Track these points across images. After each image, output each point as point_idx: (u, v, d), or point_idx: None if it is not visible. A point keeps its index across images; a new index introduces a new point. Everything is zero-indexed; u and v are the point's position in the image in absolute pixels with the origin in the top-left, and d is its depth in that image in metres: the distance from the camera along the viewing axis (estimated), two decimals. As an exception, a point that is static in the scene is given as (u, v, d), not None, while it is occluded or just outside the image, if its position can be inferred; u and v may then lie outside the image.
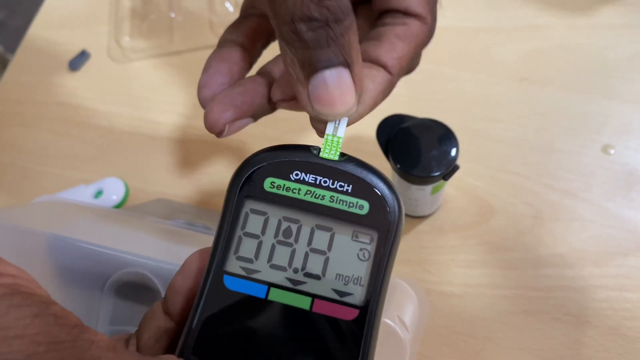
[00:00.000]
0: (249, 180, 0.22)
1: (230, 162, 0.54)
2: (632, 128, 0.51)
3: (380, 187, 0.22)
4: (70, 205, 0.43)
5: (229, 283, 0.22)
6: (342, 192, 0.22)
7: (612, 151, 0.50)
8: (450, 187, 0.50)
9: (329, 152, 0.23)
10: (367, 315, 0.21)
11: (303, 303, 0.21)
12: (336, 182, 0.22)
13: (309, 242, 0.22)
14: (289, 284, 0.22)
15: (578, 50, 0.55)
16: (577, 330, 0.45)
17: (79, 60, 0.60)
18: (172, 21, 0.60)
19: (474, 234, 0.49)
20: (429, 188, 0.44)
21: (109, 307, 0.36)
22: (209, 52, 0.30)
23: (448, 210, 0.50)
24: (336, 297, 0.22)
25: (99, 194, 0.51)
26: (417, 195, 0.45)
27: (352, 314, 0.21)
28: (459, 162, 0.44)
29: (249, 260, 0.22)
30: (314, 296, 0.22)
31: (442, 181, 0.43)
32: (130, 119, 0.57)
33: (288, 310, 0.21)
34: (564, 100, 0.53)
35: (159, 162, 0.55)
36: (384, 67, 0.25)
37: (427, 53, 0.57)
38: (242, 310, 0.22)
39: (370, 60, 0.25)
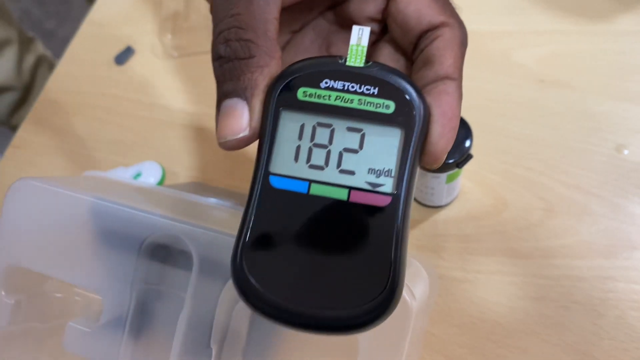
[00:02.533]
0: (283, 91, 0.25)
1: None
2: (645, 129, 0.53)
3: (404, 87, 0.24)
4: (113, 180, 0.47)
5: (275, 182, 0.24)
6: (368, 95, 0.24)
7: (625, 151, 0.52)
8: (467, 180, 0.53)
9: (355, 60, 0.25)
10: (399, 200, 0.24)
11: (341, 194, 0.24)
12: (362, 86, 0.24)
13: (342, 143, 0.24)
14: (327, 180, 0.24)
15: (595, 54, 0.57)
16: (584, 318, 0.46)
17: (124, 56, 0.65)
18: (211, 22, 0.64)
19: (487, 224, 0.51)
20: (444, 176, 0.47)
21: (144, 268, 0.39)
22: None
23: (464, 201, 0.52)
24: (370, 188, 0.24)
25: (137, 175, 0.55)
26: (433, 184, 0.48)
27: (386, 200, 0.24)
28: (477, 156, 0.47)
29: (291, 162, 0.24)
30: (350, 188, 0.24)
31: (456, 170, 0.46)
32: (169, 110, 0.61)
33: (328, 202, 0.24)
34: (580, 102, 0.55)
35: (194, 149, 0.59)
36: (447, 78, 0.26)
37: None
38: (288, 204, 0.24)
39: (437, 79, 0.26)
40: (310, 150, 0.25)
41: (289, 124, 0.25)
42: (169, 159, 0.58)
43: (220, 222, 0.40)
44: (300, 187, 0.24)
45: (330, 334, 0.24)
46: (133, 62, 0.65)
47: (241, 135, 0.25)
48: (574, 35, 0.59)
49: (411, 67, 0.29)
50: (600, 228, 0.49)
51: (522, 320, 0.47)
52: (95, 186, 0.45)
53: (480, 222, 0.51)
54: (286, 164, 0.25)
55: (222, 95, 0.25)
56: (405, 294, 0.34)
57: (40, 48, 1.12)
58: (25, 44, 1.07)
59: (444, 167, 0.45)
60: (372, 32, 0.30)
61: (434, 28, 0.27)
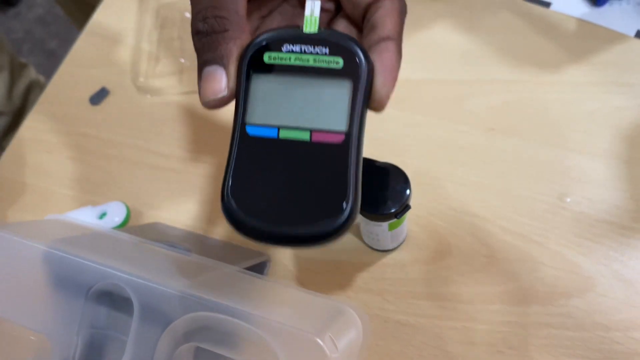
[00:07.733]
0: (252, 57, 0.30)
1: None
2: (588, 178, 0.55)
3: (350, 46, 0.30)
4: (72, 224, 0.50)
5: (250, 130, 0.30)
6: (321, 54, 0.30)
7: (568, 199, 0.54)
8: (414, 225, 0.55)
9: (309, 28, 0.30)
10: (351, 137, 0.29)
11: (304, 136, 0.30)
12: (316, 47, 0.30)
13: (303, 94, 0.30)
14: (292, 124, 0.30)
15: (544, 104, 0.59)
16: (519, 364, 0.48)
17: (99, 96, 0.68)
18: (182, 65, 0.67)
19: (432, 269, 0.53)
20: (385, 225, 0.49)
21: (91, 313, 0.42)
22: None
23: (410, 245, 0.55)
24: (327, 128, 0.30)
25: (103, 215, 0.58)
26: (377, 231, 0.50)
27: (340, 138, 0.29)
28: (424, 201, 0.49)
29: (262, 113, 0.30)
30: (311, 130, 0.30)
31: (396, 219, 0.48)
32: (138, 150, 0.64)
33: (294, 143, 0.30)
34: (526, 150, 0.57)
35: (160, 189, 0.61)
36: (387, 38, 0.31)
37: (402, 101, 0.63)
38: (262, 147, 0.30)
39: (380, 40, 0.31)
40: (277, 103, 0.30)
41: (259, 83, 0.30)
42: (136, 198, 0.61)
43: (165, 271, 0.43)
44: (271, 133, 0.30)
45: (306, 247, 0.30)
46: (107, 103, 0.68)
47: (220, 95, 0.30)
48: (524, 85, 0.61)
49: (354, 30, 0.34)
50: (539, 275, 0.51)
51: (459, 364, 0.49)
52: (54, 231, 0.47)
53: (425, 267, 0.53)
54: (258, 115, 0.30)
55: (203, 64, 0.30)
56: (324, 345, 0.36)
57: (32, 73, 1.16)
58: (17, 69, 1.10)
59: (384, 217, 0.48)
60: (328, 10, 0.36)
61: (377, 1, 0.32)
